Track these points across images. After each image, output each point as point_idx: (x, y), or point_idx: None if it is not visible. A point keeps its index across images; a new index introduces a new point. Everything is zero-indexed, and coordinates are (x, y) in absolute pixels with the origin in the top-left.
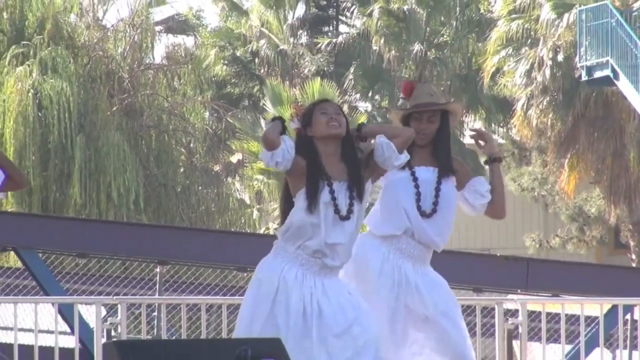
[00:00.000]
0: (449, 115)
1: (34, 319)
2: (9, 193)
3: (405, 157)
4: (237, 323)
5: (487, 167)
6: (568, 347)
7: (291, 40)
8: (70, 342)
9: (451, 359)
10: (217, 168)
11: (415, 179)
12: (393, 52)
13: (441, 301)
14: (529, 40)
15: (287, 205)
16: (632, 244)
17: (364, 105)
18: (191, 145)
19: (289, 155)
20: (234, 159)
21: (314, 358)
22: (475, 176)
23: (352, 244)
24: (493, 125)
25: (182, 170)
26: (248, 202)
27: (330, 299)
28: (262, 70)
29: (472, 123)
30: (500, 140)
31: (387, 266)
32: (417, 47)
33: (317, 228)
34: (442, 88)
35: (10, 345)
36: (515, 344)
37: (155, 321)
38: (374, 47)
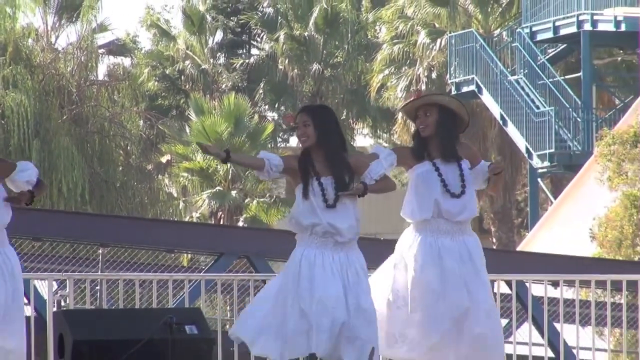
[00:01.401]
0: (449, 110)
1: None
2: None
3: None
4: (261, 294)
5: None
6: None
7: (211, 60)
8: (27, 311)
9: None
10: (149, 167)
11: (437, 169)
12: (296, 70)
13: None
14: (408, 61)
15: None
16: (492, 229)
17: (272, 115)
18: (128, 148)
19: (275, 171)
20: (164, 159)
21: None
22: (482, 161)
23: (352, 223)
24: (378, 131)
25: (120, 168)
26: (175, 195)
27: (342, 270)
28: (187, 86)
29: (361, 130)
30: (385, 144)
31: (428, 246)
32: (315, 66)
33: (315, 215)
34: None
35: None
36: None
37: (98, 294)
38: (280, 67)
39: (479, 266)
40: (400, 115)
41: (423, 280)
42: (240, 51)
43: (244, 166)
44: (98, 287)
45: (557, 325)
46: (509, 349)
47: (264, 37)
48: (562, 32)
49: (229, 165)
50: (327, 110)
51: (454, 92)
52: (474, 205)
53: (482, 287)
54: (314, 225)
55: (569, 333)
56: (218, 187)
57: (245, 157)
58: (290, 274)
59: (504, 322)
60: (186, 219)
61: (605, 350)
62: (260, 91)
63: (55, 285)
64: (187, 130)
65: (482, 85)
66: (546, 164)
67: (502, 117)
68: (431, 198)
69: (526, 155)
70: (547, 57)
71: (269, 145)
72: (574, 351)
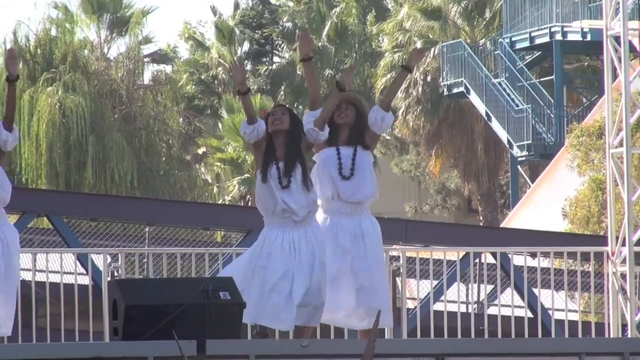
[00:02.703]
0: (362, 111)
1: (60, 264)
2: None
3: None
4: (232, 266)
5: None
6: (435, 282)
7: None
8: (86, 280)
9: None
10: (188, 157)
11: (338, 153)
12: None
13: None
14: None
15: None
16: (480, 209)
17: None
18: (170, 141)
19: (256, 133)
20: (200, 151)
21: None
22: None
23: (304, 201)
24: None
25: (163, 159)
26: (210, 181)
27: (302, 244)
28: (219, 89)
29: None
30: (387, 137)
31: (327, 224)
32: (328, 71)
33: (272, 196)
34: None
35: (43, 283)
36: (398, 280)
37: (145, 265)
38: (298, 72)
39: (369, 247)
40: (401, 112)
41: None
42: (264, 59)
43: (245, 109)
44: (145, 260)
45: (535, 290)
46: (494, 310)
47: (284, 47)
48: (537, 41)
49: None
50: (296, 114)
51: (445, 92)
52: (368, 188)
53: (368, 267)
54: (274, 205)
55: (545, 297)
56: (246, 174)
57: (251, 106)
58: (253, 253)
59: (490, 288)
60: (219, 202)
61: (576, 311)
62: (282, 93)
63: (109, 259)
64: (220, 126)
65: (469, 87)
66: (524, 153)
67: (487, 114)
68: (330, 180)
69: (507, 146)
70: (524, 62)
71: None
72: (550, 312)
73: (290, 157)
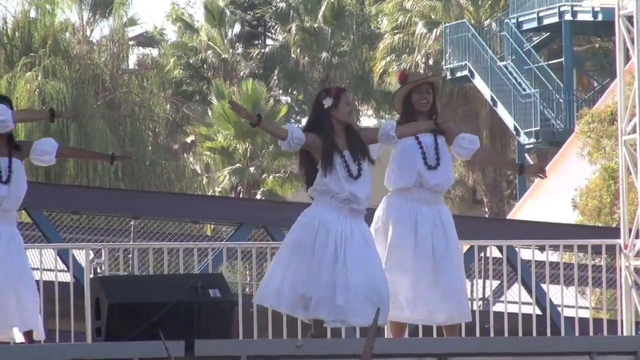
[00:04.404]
0: (435, 90)
1: (39, 260)
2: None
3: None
4: (279, 253)
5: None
6: None
7: (230, 50)
8: (67, 277)
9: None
10: (176, 146)
11: (419, 143)
12: (306, 58)
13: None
14: (407, 49)
15: (310, 170)
16: (485, 200)
17: (285, 99)
18: (156, 129)
19: (295, 144)
20: (189, 139)
21: (338, 276)
22: (461, 134)
23: (368, 193)
24: (381, 112)
25: (149, 148)
26: (199, 171)
27: (354, 237)
28: (209, 73)
29: (366, 111)
30: None
31: (407, 212)
32: (324, 54)
33: (338, 185)
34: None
35: None
36: None
37: (130, 261)
38: (292, 55)
39: (450, 234)
40: None
41: (400, 248)
42: (257, 42)
43: (269, 134)
44: (130, 256)
45: (544, 286)
46: (500, 307)
47: (278, 28)
48: (546, 22)
49: (247, 144)
50: None
51: (449, 77)
52: (450, 175)
53: (449, 252)
54: (337, 193)
55: (555, 293)
56: (238, 164)
57: (273, 126)
58: (308, 237)
59: (496, 283)
60: (209, 193)
61: (587, 308)
62: (275, 77)
63: (91, 254)
64: (210, 113)
65: (474, 71)
66: (532, 140)
67: (492, 99)
68: (413, 169)
69: (514, 132)
70: (532, 44)
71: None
72: (559, 309)
73: (356, 144)
